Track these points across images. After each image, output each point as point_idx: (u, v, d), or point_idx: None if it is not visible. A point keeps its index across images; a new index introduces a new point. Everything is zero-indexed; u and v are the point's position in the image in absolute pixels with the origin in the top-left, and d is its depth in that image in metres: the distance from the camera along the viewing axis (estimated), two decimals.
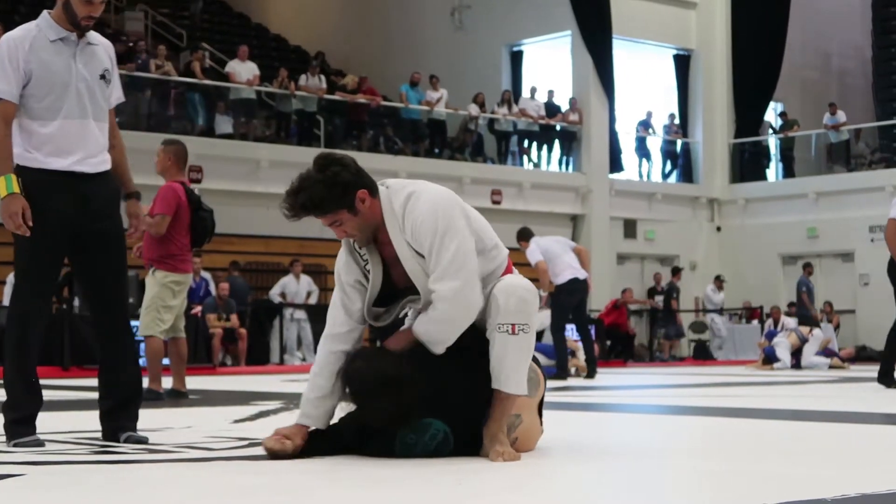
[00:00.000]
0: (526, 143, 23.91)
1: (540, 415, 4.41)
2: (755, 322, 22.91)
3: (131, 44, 21.09)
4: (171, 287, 8.31)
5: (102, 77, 4.75)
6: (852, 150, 25.44)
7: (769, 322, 19.26)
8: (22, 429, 4.61)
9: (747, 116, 26.17)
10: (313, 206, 4.05)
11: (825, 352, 17.78)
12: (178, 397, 8.39)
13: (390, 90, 23.33)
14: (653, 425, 6.31)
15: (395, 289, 4.22)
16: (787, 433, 5.69)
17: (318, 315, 17.18)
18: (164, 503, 3.28)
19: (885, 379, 9.88)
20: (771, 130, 27.08)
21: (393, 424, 4.05)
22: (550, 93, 24.12)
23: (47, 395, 5.00)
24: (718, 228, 26.05)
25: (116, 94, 4.86)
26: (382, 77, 24.16)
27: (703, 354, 22.66)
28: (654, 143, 25.91)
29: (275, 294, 18.49)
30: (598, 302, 21.62)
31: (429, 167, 20.61)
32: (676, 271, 23.49)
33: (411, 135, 22.59)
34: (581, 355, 13.60)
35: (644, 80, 26.40)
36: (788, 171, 26.06)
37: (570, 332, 14.06)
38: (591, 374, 12.95)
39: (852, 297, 23.67)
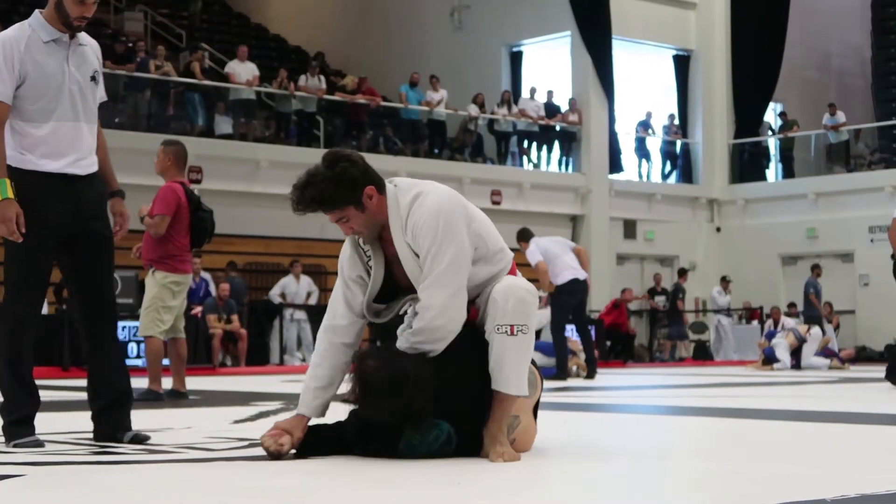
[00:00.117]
0: (525, 143, 23.91)
1: (535, 416, 4.41)
2: (755, 322, 22.91)
3: (131, 44, 21.07)
4: (170, 287, 8.31)
5: (93, 78, 4.76)
6: (852, 151, 25.45)
7: (769, 322, 19.26)
8: (21, 429, 4.62)
9: (747, 117, 26.17)
10: (321, 202, 4.05)
11: (825, 352, 17.77)
12: (178, 398, 8.39)
13: (390, 90, 23.34)
14: (653, 425, 6.31)
15: (397, 287, 4.22)
16: (787, 433, 5.69)
17: (318, 316, 17.16)
18: (164, 503, 3.28)
19: (893, 377, 9.87)
20: (770, 131, 27.08)
21: (403, 424, 4.04)
22: (550, 93, 24.12)
23: (46, 395, 5.01)
24: (718, 229, 26.05)
25: (100, 94, 4.85)
26: (382, 77, 24.17)
27: (702, 355, 22.65)
28: (654, 144, 25.90)
29: (275, 294, 18.50)
30: (597, 302, 21.62)
31: (428, 168, 20.61)
32: (683, 272, 23.50)
33: (411, 135, 22.59)
34: (582, 355, 13.60)
35: (643, 81, 26.38)
36: (788, 172, 26.06)
37: (571, 332, 14.06)
38: (590, 375, 12.96)
39: (852, 298, 23.66)
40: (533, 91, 23.97)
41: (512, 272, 4.25)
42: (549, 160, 24.31)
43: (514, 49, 25.65)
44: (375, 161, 4.78)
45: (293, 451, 4.15)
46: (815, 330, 17.92)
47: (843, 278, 23.65)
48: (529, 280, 4.33)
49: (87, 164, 4.72)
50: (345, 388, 4.19)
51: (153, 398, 8.08)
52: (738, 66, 25.96)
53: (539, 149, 24.12)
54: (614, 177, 24.44)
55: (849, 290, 23.61)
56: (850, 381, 12.59)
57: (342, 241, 4.31)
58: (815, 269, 21.35)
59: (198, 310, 16.24)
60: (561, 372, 12.53)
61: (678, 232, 25.34)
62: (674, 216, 25.41)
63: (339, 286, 4.26)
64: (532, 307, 4.11)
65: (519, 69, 25.57)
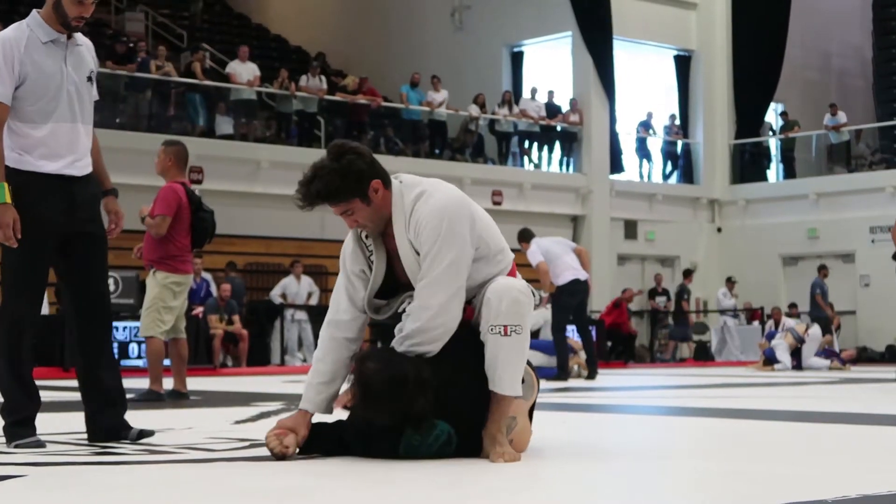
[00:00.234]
0: (526, 143, 23.91)
1: (530, 417, 4.40)
2: (756, 323, 22.91)
3: (131, 44, 21.06)
4: (171, 288, 8.31)
5: (89, 79, 4.76)
6: (853, 151, 25.44)
7: (770, 323, 19.25)
8: (22, 430, 4.62)
9: (748, 117, 26.17)
10: (328, 195, 4.04)
11: (825, 353, 17.76)
12: (179, 398, 8.39)
13: (391, 91, 23.34)
14: (653, 426, 6.31)
15: (398, 283, 4.21)
16: (787, 434, 5.69)
17: (318, 316, 17.16)
18: (165, 503, 3.29)
19: None
20: (771, 131, 27.07)
21: (403, 424, 4.04)
22: (551, 93, 24.12)
23: (47, 395, 5.01)
24: (719, 229, 26.04)
25: (94, 93, 4.86)
26: (383, 78, 24.17)
27: (703, 355, 22.65)
28: (655, 144, 25.90)
29: (275, 295, 18.49)
30: (598, 303, 21.62)
31: (429, 168, 20.59)
32: (688, 274, 23.50)
33: (412, 135, 22.60)
34: (582, 353, 13.60)
35: (644, 81, 26.38)
36: (789, 172, 26.06)
37: (571, 332, 14.07)
38: (591, 376, 12.96)
39: (853, 298, 23.65)
40: (534, 91, 23.97)
41: (512, 273, 4.24)
42: (549, 160, 24.31)
43: (515, 49, 25.65)
44: None
45: (297, 451, 4.16)
46: (814, 330, 17.87)
47: (844, 279, 23.64)
48: (530, 280, 4.33)
49: (83, 165, 4.73)
50: (345, 388, 4.20)
51: (154, 399, 8.09)
52: (738, 66, 25.96)
53: (540, 149, 24.12)
54: (615, 177, 24.43)
55: (850, 291, 23.60)
56: (851, 381, 12.59)
57: (343, 241, 4.31)
58: (822, 270, 21.34)
59: (199, 310, 16.25)
60: (562, 372, 12.53)
61: (679, 232, 25.34)
62: (675, 216, 25.41)
63: (342, 280, 4.25)
64: (526, 307, 4.09)
65: (520, 69, 25.57)
